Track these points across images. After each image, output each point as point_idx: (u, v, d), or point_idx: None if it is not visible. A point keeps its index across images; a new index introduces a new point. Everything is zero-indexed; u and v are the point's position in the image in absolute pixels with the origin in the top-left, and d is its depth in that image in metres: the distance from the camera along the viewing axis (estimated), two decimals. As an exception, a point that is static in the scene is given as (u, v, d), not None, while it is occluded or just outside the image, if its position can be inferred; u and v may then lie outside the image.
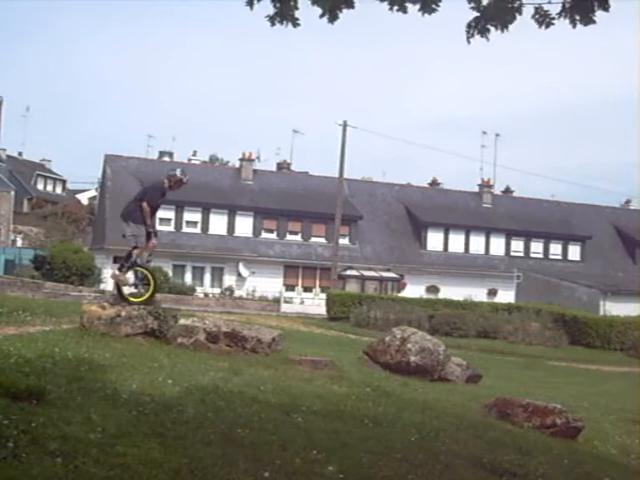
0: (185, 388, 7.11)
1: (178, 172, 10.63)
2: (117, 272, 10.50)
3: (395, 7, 4.73)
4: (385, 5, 4.72)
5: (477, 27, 4.69)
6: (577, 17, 4.49)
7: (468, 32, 4.73)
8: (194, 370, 8.27)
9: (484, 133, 59.24)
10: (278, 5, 4.87)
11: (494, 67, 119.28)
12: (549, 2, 4.56)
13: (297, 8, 4.89)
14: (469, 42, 4.75)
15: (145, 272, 10.55)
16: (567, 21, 4.54)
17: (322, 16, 4.85)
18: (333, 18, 4.85)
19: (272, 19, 4.93)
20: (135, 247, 10.40)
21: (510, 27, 4.69)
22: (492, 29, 4.72)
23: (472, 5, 4.66)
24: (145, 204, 10.23)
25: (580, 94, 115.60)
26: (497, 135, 53.64)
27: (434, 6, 4.70)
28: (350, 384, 9.16)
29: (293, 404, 7.22)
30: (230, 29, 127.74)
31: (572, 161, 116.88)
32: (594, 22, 4.50)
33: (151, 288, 10.54)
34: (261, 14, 4.87)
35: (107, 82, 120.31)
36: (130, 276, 10.45)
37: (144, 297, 10.51)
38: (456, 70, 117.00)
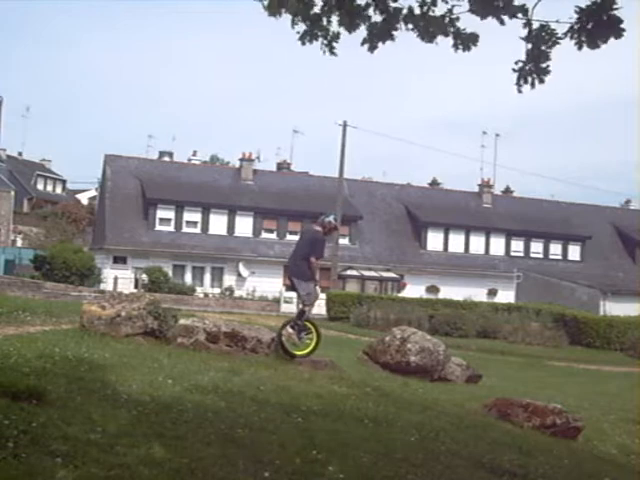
0: (185, 388, 7.11)
1: (332, 218, 10.46)
2: (290, 330, 10.13)
3: (426, 39, 4.78)
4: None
5: (525, 74, 4.64)
6: (584, 39, 4.45)
7: (518, 81, 4.67)
8: (194, 370, 8.26)
9: (484, 133, 59.44)
10: (308, 23, 4.91)
11: (494, 67, 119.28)
12: (557, 22, 4.53)
13: (328, 32, 4.94)
14: (520, 91, 4.70)
15: (308, 324, 10.46)
16: (572, 42, 4.50)
17: (362, 44, 4.93)
18: (372, 48, 4.91)
19: (302, 37, 4.95)
20: (307, 305, 10.27)
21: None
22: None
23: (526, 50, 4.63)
24: (314, 259, 10.03)
25: (580, 94, 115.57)
26: (497, 135, 53.72)
27: (471, 45, 4.73)
28: (350, 384, 9.15)
29: (293, 404, 7.21)
30: (230, 29, 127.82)
31: (572, 161, 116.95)
32: (599, 46, 4.46)
33: (314, 339, 10.41)
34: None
35: (107, 82, 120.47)
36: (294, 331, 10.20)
37: (309, 349, 10.38)
38: (456, 70, 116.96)
